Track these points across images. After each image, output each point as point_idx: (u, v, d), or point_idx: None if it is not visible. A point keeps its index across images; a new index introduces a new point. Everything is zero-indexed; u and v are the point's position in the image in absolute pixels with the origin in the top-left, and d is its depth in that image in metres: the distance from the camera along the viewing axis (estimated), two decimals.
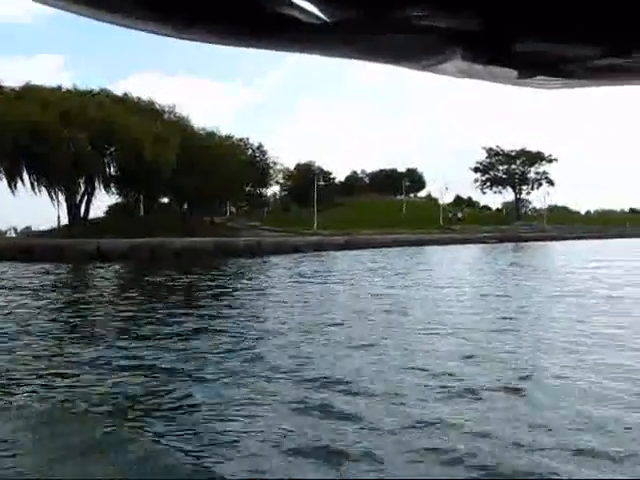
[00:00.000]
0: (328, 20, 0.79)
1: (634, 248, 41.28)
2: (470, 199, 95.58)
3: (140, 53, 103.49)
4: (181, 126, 40.36)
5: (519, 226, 67.48)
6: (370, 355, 7.66)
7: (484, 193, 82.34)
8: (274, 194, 72.18)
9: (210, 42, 0.88)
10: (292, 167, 65.16)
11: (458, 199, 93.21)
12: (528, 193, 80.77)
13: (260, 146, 51.95)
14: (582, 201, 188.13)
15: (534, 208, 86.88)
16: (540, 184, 78.10)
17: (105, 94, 39.29)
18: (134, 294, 15.94)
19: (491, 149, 77.51)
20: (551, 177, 77.32)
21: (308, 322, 10.64)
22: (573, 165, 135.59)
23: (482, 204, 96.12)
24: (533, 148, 76.34)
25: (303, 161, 66.16)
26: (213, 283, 18.61)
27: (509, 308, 12.46)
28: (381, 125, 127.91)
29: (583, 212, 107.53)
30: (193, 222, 45.33)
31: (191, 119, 42.68)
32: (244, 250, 35.54)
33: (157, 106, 41.12)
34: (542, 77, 0.96)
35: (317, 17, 0.79)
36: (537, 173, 77.46)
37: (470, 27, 0.82)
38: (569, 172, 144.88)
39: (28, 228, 52.62)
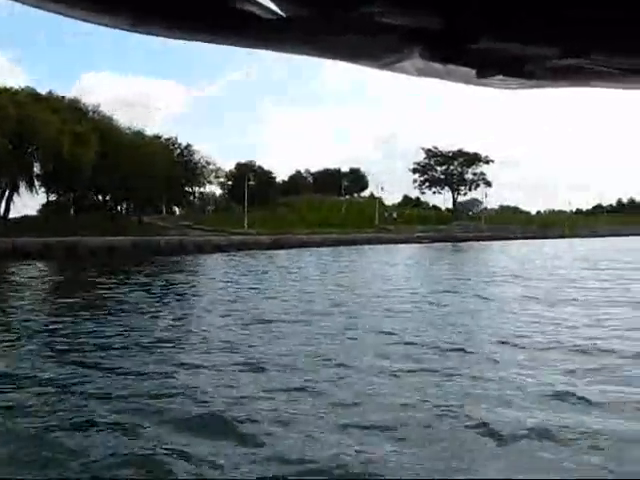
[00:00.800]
0: (285, 16, 0.80)
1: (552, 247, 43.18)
2: (418, 199, 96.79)
3: (97, 51, 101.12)
4: (105, 125, 40.30)
5: (455, 226, 69.00)
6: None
7: (423, 193, 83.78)
8: (223, 193, 72.11)
9: (167, 37, 0.87)
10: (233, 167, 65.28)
11: (406, 199, 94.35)
12: (465, 194, 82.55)
13: (188, 146, 52.18)
14: (535, 201, 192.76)
15: (485, 208, 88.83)
16: (477, 185, 80.00)
17: (27, 92, 38.94)
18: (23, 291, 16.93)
19: (429, 150, 78.90)
20: (488, 178, 79.38)
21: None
22: (530, 166, 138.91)
23: (432, 204, 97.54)
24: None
25: (244, 160, 66.38)
26: (109, 281, 19.43)
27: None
28: (335, 125, 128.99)
29: (534, 212, 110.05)
30: (123, 221, 45.30)
31: (116, 119, 42.68)
32: (165, 249, 35.81)
33: (81, 105, 41.00)
34: (501, 77, 0.96)
35: (274, 13, 0.80)
36: (474, 174, 79.23)
37: (428, 25, 0.82)
38: (528, 173, 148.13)
39: None
